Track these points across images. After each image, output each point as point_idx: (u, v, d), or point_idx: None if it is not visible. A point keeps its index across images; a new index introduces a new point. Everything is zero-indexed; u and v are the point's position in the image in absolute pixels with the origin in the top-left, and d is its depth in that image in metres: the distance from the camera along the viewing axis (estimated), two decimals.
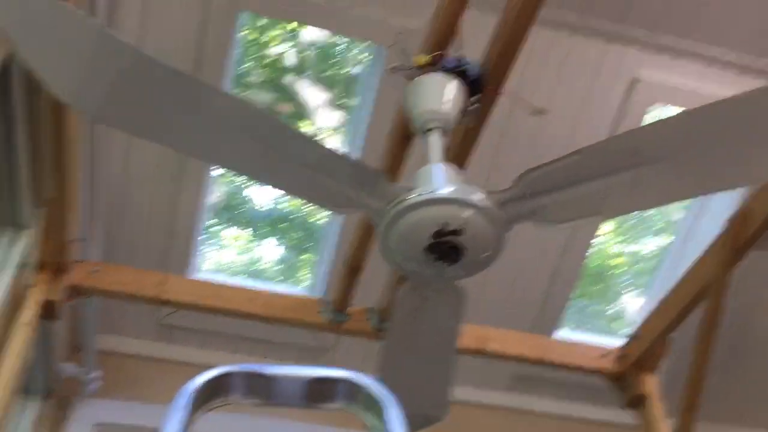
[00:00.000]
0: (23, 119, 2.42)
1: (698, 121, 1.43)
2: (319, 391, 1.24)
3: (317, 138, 1.69)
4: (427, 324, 1.85)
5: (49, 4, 1.31)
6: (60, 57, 1.39)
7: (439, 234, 1.58)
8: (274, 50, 3.56)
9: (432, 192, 1.60)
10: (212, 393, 1.21)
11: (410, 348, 1.95)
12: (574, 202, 1.55)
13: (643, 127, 1.50)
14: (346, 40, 3.50)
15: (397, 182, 2.48)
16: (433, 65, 2.01)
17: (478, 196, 1.60)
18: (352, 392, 1.24)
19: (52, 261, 2.70)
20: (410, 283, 1.79)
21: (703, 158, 1.43)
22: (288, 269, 4.21)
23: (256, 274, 4.14)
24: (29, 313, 2.55)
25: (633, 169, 1.45)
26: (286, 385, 1.24)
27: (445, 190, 1.60)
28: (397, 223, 1.60)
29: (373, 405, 1.21)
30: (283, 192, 1.78)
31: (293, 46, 3.56)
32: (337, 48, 3.60)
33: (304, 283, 4.13)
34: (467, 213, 1.57)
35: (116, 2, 2.89)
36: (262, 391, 1.23)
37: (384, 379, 1.65)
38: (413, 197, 1.59)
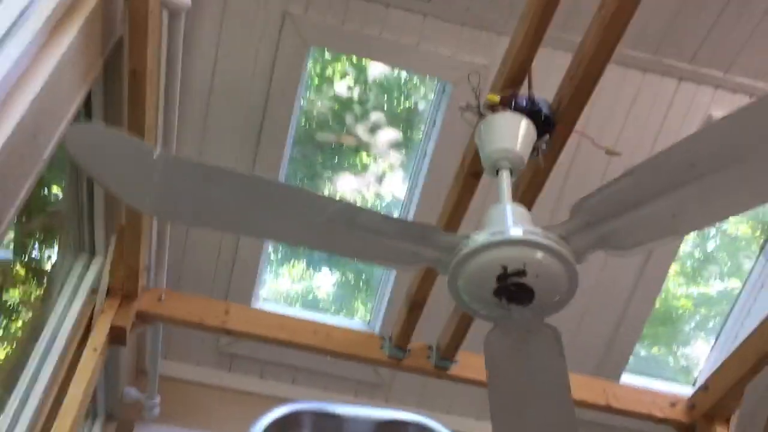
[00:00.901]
0: None
1: (751, 119, 1.32)
2: None
3: (371, 207, 1.71)
4: (533, 368, 1.78)
5: (118, 140, 1.52)
6: (129, 180, 1.54)
7: (503, 277, 1.56)
8: (338, 83, 3.61)
9: (489, 236, 1.57)
10: (282, 429, 1.21)
11: (521, 397, 1.87)
12: (641, 224, 1.47)
13: (693, 136, 1.35)
14: (412, 75, 3.52)
15: (454, 232, 2.49)
16: (504, 104, 2.00)
17: (535, 234, 1.56)
18: None
19: (121, 287, 2.77)
20: (498, 327, 1.74)
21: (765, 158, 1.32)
22: (343, 300, 4.22)
23: (311, 304, 4.16)
24: (99, 338, 2.62)
25: (695, 181, 1.37)
26: (355, 427, 1.23)
27: (498, 234, 1.58)
28: (461, 273, 1.60)
29: None
30: (353, 257, 1.82)
31: (358, 81, 3.61)
32: (402, 83, 3.63)
33: (359, 315, 4.13)
34: (525, 252, 1.54)
35: (191, 38, 2.99)
36: (331, 430, 1.23)
37: None
38: (470, 246, 1.58)
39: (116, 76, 2.32)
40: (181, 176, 1.52)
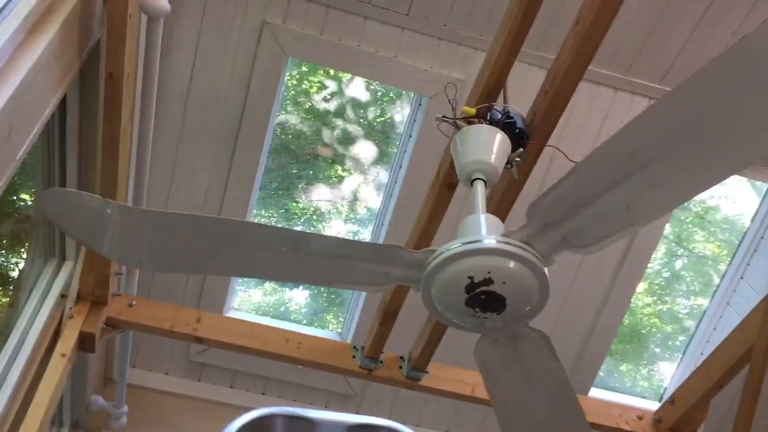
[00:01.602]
0: (75, 154, 2.49)
1: (683, 101, 1.29)
2: None
3: (335, 235, 1.77)
4: (530, 375, 1.78)
5: (85, 200, 1.64)
6: (97, 236, 1.67)
7: (471, 287, 1.58)
8: (315, 96, 3.63)
9: (450, 249, 1.58)
10: None
11: (526, 405, 1.86)
12: (598, 220, 1.46)
13: (629, 126, 1.34)
14: (388, 88, 3.55)
15: (429, 241, 2.52)
16: (479, 116, 2.03)
17: (495, 241, 1.57)
18: None
19: (91, 293, 2.74)
20: (484, 338, 1.75)
21: (708, 139, 1.30)
22: (315, 313, 4.21)
23: (284, 316, 4.15)
24: (67, 343, 2.58)
25: (639, 171, 1.36)
26: (327, 431, 1.24)
27: (459, 246, 1.59)
28: (431, 288, 1.62)
29: None
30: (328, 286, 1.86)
31: (334, 93, 3.63)
32: (378, 96, 3.66)
33: (331, 327, 4.12)
34: (488, 261, 1.55)
35: (169, 42, 2.99)
36: None
37: None
38: (434, 260, 1.59)
39: (93, 79, 2.31)
40: (142, 228, 1.63)
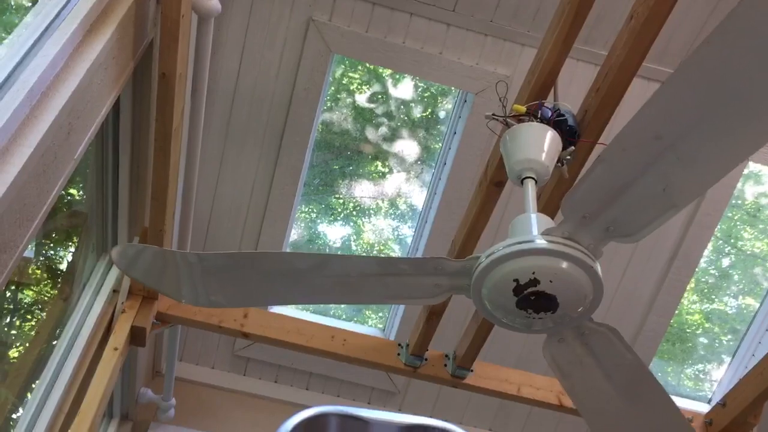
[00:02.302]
0: (128, 152, 2.54)
1: (700, 69, 1.24)
2: None
3: (382, 254, 1.80)
4: (608, 371, 1.75)
5: (156, 254, 1.80)
6: (167, 281, 1.79)
7: (519, 290, 1.56)
8: (358, 92, 3.64)
9: (493, 254, 1.57)
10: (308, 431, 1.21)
11: (613, 402, 1.83)
12: (637, 206, 1.42)
13: (647, 107, 1.30)
14: (431, 84, 3.54)
15: (477, 238, 2.50)
16: (530, 114, 2.01)
17: (532, 241, 1.55)
18: None
19: (142, 288, 2.79)
20: (550, 339, 1.74)
21: (731, 107, 1.25)
22: (356, 308, 4.22)
23: (323, 311, 4.17)
24: (119, 337, 2.63)
25: (668, 152, 1.32)
26: (380, 431, 1.24)
27: (501, 249, 1.56)
28: (481, 295, 1.62)
29: None
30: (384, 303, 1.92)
31: (380, 91, 3.62)
32: (423, 93, 3.65)
33: (371, 323, 4.13)
34: (530, 261, 1.53)
35: (218, 41, 3.02)
36: None
37: None
38: (479, 268, 1.59)
39: (146, 78, 2.35)
40: (199, 273, 1.72)
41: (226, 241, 3.58)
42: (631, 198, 1.42)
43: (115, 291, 2.79)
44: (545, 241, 1.53)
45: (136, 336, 2.73)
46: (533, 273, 1.53)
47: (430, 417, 1.24)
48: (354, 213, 4.02)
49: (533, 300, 1.57)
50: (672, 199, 1.39)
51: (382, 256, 1.86)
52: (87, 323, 2.61)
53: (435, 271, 1.66)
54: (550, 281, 1.53)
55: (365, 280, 1.68)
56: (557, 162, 2.00)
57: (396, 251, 3.95)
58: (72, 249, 2.88)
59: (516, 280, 1.54)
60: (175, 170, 2.45)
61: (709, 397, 4.20)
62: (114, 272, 2.83)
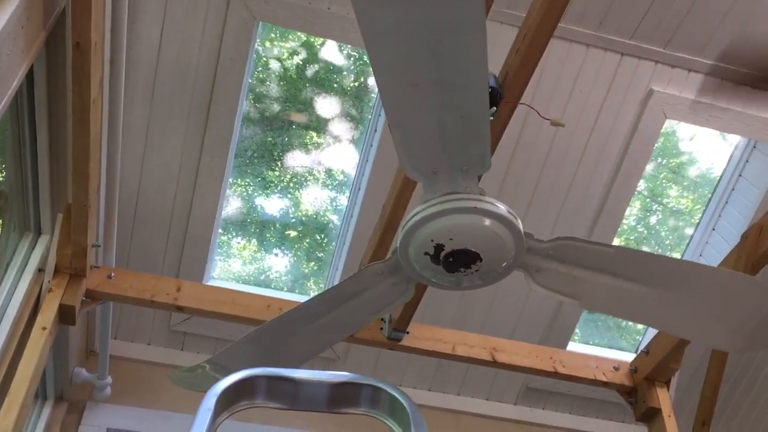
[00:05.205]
0: (45, 126, 2.45)
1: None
2: (342, 396, 1.26)
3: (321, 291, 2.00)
4: (604, 269, 1.75)
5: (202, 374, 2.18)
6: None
7: (435, 258, 1.64)
8: (287, 61, 3.60)
9: (397, 238, 1.69)
10: (238, 396, 1.22)
11: (643, 297, 1.80)
12: (458, 138, 1.49)
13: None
14: (362, 52, 3.53)
15: (405, 205, 2.56)
16: None
17: (415, 216, 1.63)
18: (376, 398, 1.26)
19: (69, 266, 2.72)
20: (527, 278, 1.80)
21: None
22: (296, 279, 4.23)
23: (264, 284, 4.17)
24: (47, 317, 2.58)
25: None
26: (311, 390, 1.26)
27: (401, 231, 1.67)
28: (415, 275, 1.73)
29: (396, 410, 1.23)
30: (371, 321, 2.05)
31: (308, 59, 3.59)
32: (357, 61, 3.63)
33: (313, 292, 4.15)
34: (427, 232, 1.61)
35: (137, 13, 2.94)
36: (287, 395, 1.25)
37: None
38: (395, 258, 1.73)
39: (60, 49, 2.27)
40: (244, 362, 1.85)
41: (156, 216, 3.52)
42: (449, 137, 1.48)
43: (41, 270, 2.72)
44: (429, 209, 1.60)
45: (65, 315, 2.67)
46: (432, 240, 1.61)
47: (362, 376, 1.27)
48: (291, 185, 4.00)
49: (453, 261, 1.64)
50: (471, 120, 1.44)
51: (325, 290, 2.01)
52: (12, 303, 2.54)
53: (377, 277, 1.80)
54: (450, 239, 1.61)
55: (335, 315, 1.87)
56: None
57: (335, 221, 3.96)
58: None
59: (426, 253, 1.63)
60: (96, 143, 2.38)
61: (637, 347, 4.39)
62: (39, 250, 2.75)
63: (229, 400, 1.20)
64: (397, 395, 1.20)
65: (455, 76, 1.34)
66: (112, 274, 2.85)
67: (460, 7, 1.20)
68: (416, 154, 1.51)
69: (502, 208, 1.61)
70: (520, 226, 1.63)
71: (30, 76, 2.26)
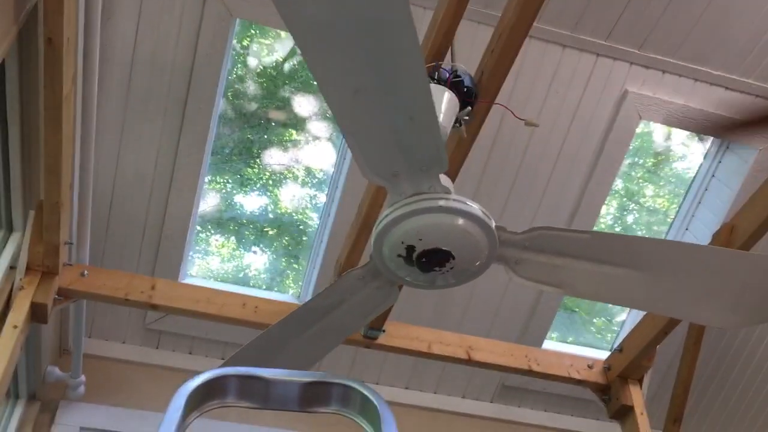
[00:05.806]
0: (17, 122, 2.42)
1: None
2: (313, 395, 1.26)
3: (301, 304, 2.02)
4: (584, 255, 1.74)
5: None
6: None
7: (408, 259, 1.63)
8: (266, 58, 3.58)
9: (372, 237, 1.67)
10: (208, 395, 1.21)
11: (631, 281, 1.80)
12: (409, 138, 1.46)
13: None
14: None
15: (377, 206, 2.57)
16: (427, 75, 2.04)
17: (383, 221, 1.62)
18: (347, 396, 1.26)
19: (41, 264, 2.69)
20: (507, 271, 1.79)
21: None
22: (274, 276, 4.22)
23: (243, 282, 4.15)
24: (18, 315, 2.54)
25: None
26: (282, 389, 1.25)
27: (374, 231, 1.66)
28: (392, 276, 1.72)
29: (367, 409, 1.23)
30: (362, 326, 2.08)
31: (288, 56, 3.58)
32: None
33: (292, 290, 4.14)
34: (397, 235, 1.61)
35: (111, 5, 2.91)
36: (258, 394, 1.25)
37: None
38: (371, 263, 1.73)
39: (32, 45, 2.24)
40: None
41: (131, 214, 3.49)
42: (401, 139, 1.45)
43: (12, 267, 2.69)
44: (395, 212, 1.59)
45: (37, 313, 2.64)
46: (402, 242, 1.61)
47: (332, 374, 1.27)
48: (270, 182, 3.98)
49: (426, 261, 1.64)
50: (421, 121, 1.41)
51: (309, 299, 2.01)
52: None
53: (359, 282, 1.80)
54: (420, 239, 1.60)
55: (324, 324, 1.89)
56: (455, 123, 2.05)
57: (314, 219, 3.96)
58: None
59: (399, 255, 1.63)
60: (69, 140, 2.36)
61: (612, 345, 4.44)
62: (10, 248, 2.72)
63: (199, 399, 1.19)
64: (367, 393, 1.20)
65: (395, 78, 1.32)
66: (86, 272, 2.83)
67: (384, 6, 1.19)
68: (372, 159, 1.49)
69: (468, 204, 1.60)
70: (490, 220, 1.63)
71: (1, 71, 2.24)
